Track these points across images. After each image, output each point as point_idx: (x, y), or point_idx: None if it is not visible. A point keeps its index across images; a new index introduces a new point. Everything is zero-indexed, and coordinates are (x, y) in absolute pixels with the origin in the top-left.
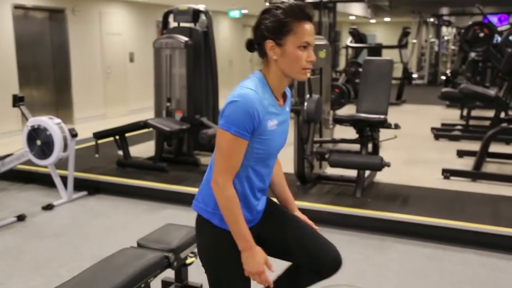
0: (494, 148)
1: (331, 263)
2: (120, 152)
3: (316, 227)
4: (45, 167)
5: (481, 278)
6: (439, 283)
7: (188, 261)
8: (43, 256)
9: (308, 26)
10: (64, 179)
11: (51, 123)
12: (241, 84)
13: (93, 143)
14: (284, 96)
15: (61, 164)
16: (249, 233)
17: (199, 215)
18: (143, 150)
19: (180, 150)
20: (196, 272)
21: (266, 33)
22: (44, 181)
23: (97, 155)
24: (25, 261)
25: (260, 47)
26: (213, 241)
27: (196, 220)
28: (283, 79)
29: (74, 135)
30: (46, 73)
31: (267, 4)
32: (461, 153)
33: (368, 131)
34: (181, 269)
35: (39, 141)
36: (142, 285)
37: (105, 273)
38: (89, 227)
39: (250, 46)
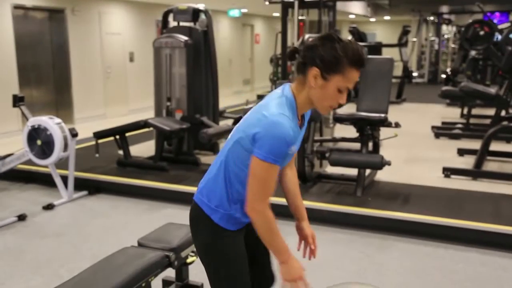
0: (495, 146)
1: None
2: (120, 152)
3: (315, 246)
4: (46, 167)
5: (482, 277)
6: (440, 282)
7: (188, 260)
8: (44, 256)
9: (357, 74)
10: (64, 178)
11: (51, 122)
12: (273, 103)
13: (93, 142)
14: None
15: (62, 163)
16: (287, 247)
17: (198, 208)
18: (143, 149)
19: (180, 150)
20: (197, 271)
21: (317, 60)
22: (45, 181)
23: (97, 155)
24: (25, 261)
25: (303, 67)
26: (213, 237)
27: (194, 213)
28: (310, 105)
29: (74, 134)
30: (46, 73)
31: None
32: (461, 152)
33: (369, 129)
34: (182, 268)
35: (40, 141)
36: (143, 285)
37: (105, 272)
38: (89, 227)
39: (292, 56)
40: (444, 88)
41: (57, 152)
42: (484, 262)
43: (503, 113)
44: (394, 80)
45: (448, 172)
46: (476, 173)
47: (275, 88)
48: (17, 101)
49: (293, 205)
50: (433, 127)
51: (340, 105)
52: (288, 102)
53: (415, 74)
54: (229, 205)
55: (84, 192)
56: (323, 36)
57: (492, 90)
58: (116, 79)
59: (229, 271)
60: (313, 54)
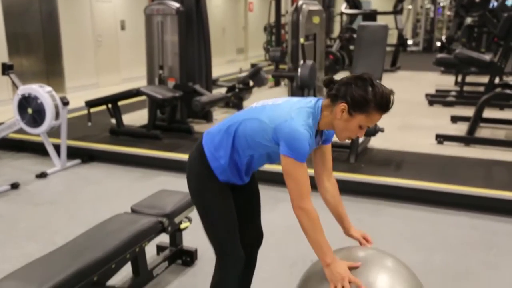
0: (488, 113)
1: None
2: (113, 121)
3: (370, 241)
4: (38, 135)
5: (473, 240)
6: (432, 245)
7: (182, 226)
8: (38, 223)
9: (380, 117)
10: (57, 147)
11: (41, 91)
12: (304, 111)
13: (85, 111)
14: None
15: (54, 132)
16: (331, 249)
17: (202, 147)
18: (136, 118)
19: (174, 118)
20: (191, 237)
21: (348, 97)
22: (37, 149)
23: (89, 124)
24: (19, 228)
25: (334, 98)
26: (205, 177)
27: (198, 149)
28: (331, 127)
29: (65, 103)
30: (36, 41)
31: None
32: (455, 119)
33: None
34: (176, 234)
35: (30, 110)
36: (137, 249)
37: (99, 238)
38: (83, 195)
39: (327, 84)
40: (439, 55)
41: (49, 120)
42: (475, 226)
43: (497, 80)
44: (388, 48)
45: (441, 138)
46: (468, 139)
47: (269, 57)
48: (6, 69)
49: (337, 216)
50: (427, 95)
51: (356, 137)
52: (313, 116)
53: (410, 42)
54: (229, 165)
55: (77, 161)
56: (359, 77)
57: (487, 57)
58: (108, 47)
59: (216, 209)
60: (346, 91)
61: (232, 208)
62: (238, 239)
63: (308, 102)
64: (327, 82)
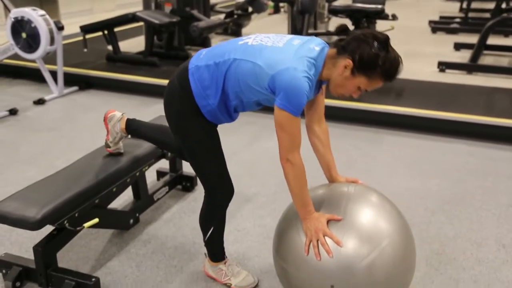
0: (492, 40)
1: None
2: (110, 47)
3: (356, 180)
4: (34, 61)
5: (469, 166)
6: (428, 171)
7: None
8: (38, 148)
9: (381, 84)
10: (53, 74)
11: (35, 14)
12: (305, 62)
13: (80, 38)
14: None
15: (50, 58)
16: (311, 204)
17: (188, 82)
18: (133, 45)
19: (171, 44)
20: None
21: (356, 55)
22: (34, 76)
23: (85, 50)
24: (20, 153)
25: (342, 50)
26: (189, 115)
27: (182, 83)
28: (328, 79)
29: (60, 27)
30: None
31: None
32: (458, 46)
33: (365, 22)
34: (175, 159)
35: (24, 34)
36: (137, 174)
37: (100, 162)
38: (81, 121)
39: (340, 32)
40: None
41: (44, 45)
42: (472, 152)
43: (503, 5)
44: None
45: (443, 66)
46: (471, 67)
47: None
48: None
49: (324, 164)
50: (430, 22)
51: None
52: (317, 68)
53: None
54: (218, 106)
55: (75, 88)
56: (376, 36)
57: None
58: None
59: (204, 149)
60: (356, 47)
61: (219, 146)
62: (227, 173)
63: (311, 49)
64: (339, 30)
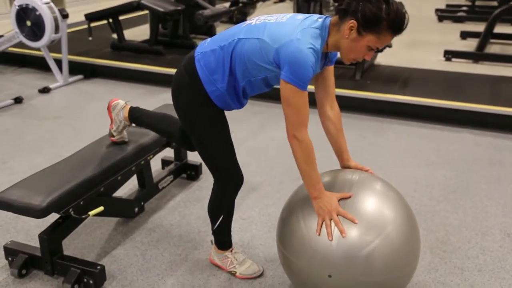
0: (499, 29)
1: None
2: (114, 36)
3: (372, 172)
4: (39, 50)
5: (475, 156)
6: (435, 161)
7: None
8: (44, 137)
9: (391, 38)
10: (58, 62)
11: (39, 2)
12: (309, 32)
13: (85, 26)
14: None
15: (55, 47)
16: (320, 182)
17: (194, 69)
18: (138, 33)
19: (176, 33)
20: (195, 152)
21: (358, 13)
22: (39, 64)
23: (90, 38)
24: (26, 141)
25: (343, 14)
26: (198, 104)
27: (189, 71)
28: (336, 49)
29: (65, 15)
30: None
31: None
32: (464, 35)
33: None
34: (180, 148)
35: (29, 22)
36: (142, 162)
37: (105, 150)
38: (87, 110)
39: None
40: None
41: (48, 33)
42: (478, 142)
43: None
44: None
45: (450, 55)
46: (478, 55)
47: None
48: None
49: (336, 148)
50: (437, 10)
51: (362, 59)
52: (321, 38)
53: None
54: (227, 90)
55: (80, 76)
56: None
57: None
58: None
59: (214, 138)
60: (357, 6)
61: (228, 134)
62: (237, 161)
63: (314, 21)
64: None
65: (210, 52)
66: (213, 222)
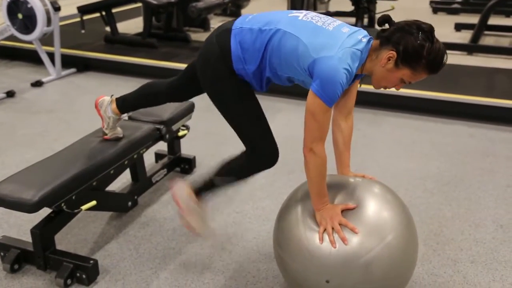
0: (493, 20)
1: None
2: (107, 29)
3: (375, 178)
4: (31, 43)
5: (469, 148)
6: (428, 153)
7: (180, 134)
8: (36, 131)
9: (425, 76)
10: (51, 56)
11: None
12: (349, 53)
13: (78, 19)
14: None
15: (47, 40)
16: (327, 195)
17: (228, 41)
18: (131, 26)
19: (170, 26)
20: (189, 146)
21: (401, 47)
22: (31, 57)
23: (83, 31)
24: (18, 135)
25: (386, 42)
26: (226, 78)
27: (221, 43)
28: (370, 73)
29: (57, 8)
30: None
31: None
32: (459, 27)
33: (365, 2)
34: (174, 141)
35: (20, 15)
36: (135, 156)
37: (97, 144)
38: (79, 103)
39: (382, 23)
40: None
41: (40, 26)
42: (472, 134)
43: None
44: None
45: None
46: (472, 47)
47: None
48: None
49: (339, 161)
50: (431, 2)
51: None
52: (360, 61)
53: None
54: (253, 73)
55: (72, 70)
56: (420, 26)
57: None
58: None
59: (243, 112)
60: (400, 38)
61: (259, 106)
62: (272, 134)
63: (358, 41)
64: (381, 21)
65: (248, 30)
66: (219, 174)
